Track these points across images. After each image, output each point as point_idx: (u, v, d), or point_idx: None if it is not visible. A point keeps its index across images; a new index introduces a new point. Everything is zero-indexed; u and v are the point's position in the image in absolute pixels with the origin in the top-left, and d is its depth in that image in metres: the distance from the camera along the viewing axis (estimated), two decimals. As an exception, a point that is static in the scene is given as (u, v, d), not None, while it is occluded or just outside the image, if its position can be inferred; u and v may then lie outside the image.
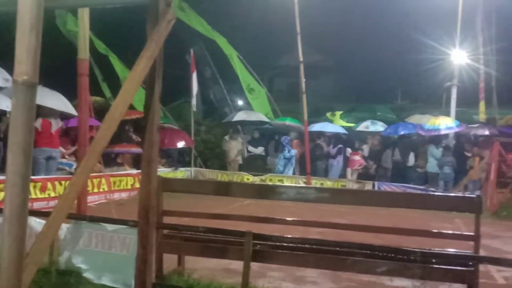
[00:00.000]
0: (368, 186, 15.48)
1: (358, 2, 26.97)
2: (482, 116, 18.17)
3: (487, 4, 17.78)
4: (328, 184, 15.84)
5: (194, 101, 17.44)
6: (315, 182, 15.78)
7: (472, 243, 4.72)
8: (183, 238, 5.35)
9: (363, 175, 16.29)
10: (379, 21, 26.81)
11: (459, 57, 18.15)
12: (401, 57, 24.76)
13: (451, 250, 4.80)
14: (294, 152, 16.83)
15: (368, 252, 4.70)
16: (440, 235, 5.04)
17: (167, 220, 5.63)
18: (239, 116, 18.50)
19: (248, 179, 16.41)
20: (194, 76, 17.38)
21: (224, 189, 5.48)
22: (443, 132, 16.01)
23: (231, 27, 22.19)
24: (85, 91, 7.13)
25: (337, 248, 4.83)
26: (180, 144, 16.99)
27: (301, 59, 16.05)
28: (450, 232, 5.54)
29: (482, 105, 18.27)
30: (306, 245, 4.95)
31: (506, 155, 13.33)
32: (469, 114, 19.21)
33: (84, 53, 7.02)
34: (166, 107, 20.15)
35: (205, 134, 19.31)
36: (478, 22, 17.91)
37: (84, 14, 6.88)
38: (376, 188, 15.32)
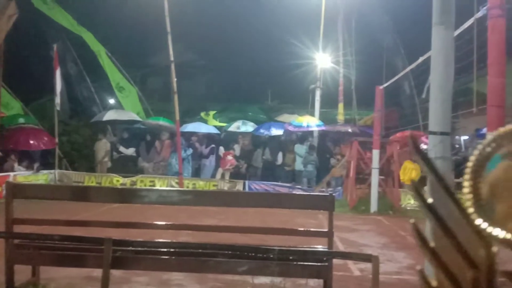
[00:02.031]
0: (239, 185, 15.79)
1: (230, 4, 27.37)
2: (340, 117, 19.40)
3: (347, 11, 19.02)
4: (200, 184, 15.89)
5: (58, 100, 16.45)
6: (188, 183, 15.74)
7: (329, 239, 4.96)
8: (37, 248, 5.01)
9: (235, 175, 16.57)
10: (251, 23, 27.44)
11: (322, 60, 19.20)
12: (271, 59, 25.58)
13: (307, 247, 5.03)
14: (190, 151, 16.62)
15: (230, 252, 4.76)
16: (296, 233, 5.25)
17: (21, 229, 5.25)
18: (109, 116, 17.84)
19: (118, 181, 15.90)
20: (58, 73, 16.41)
21: (82, 194, 5.22)
22: (308, 129, 16.89)
23: (101, 23, 21.36)
24: None
25: (200, 250, 4.84)
26: (41, 145, 15.97)
27: (172, 58, 15.90)
28: (306, 229, 5.78)
29: (341, 107, 19.53)
30: (169, 249, 4.90)
31: (364, 154, 14.34)
32: (332, 114, 20.39)
33: None
34: (29, 106, 18.84)
35: (71, 135, 18.32)
36: (339, 28, 19.11)
37: None
38: (246, 187, 15.69)
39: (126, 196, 5.16)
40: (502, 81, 6.07)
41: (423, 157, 0.81)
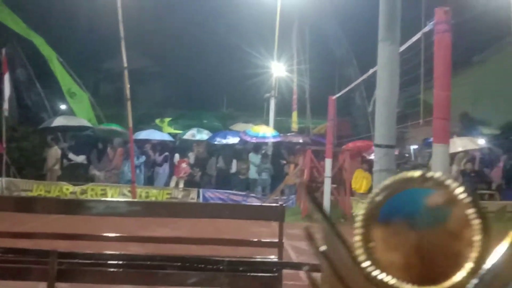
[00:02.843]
0: (193, 193, 15.69)
1: (187, 11, 27.28)
2: (294, 126, 19.62)
3: (302, 21, 19.28)
4: (153, 192, 15.68)
5: (6, 105, 15.93)
6: (140, 191, 15.50)
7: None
8: (-24, 262, 4.80)
9: (189, 183, 16.44)
10: (207, 31, 27.42)
11: (277, 69, 19.36)
12: (227, 67, 25.63)
13: (257, 257, 5.02)
14: (142, 159, 16.33)
15: (180, 264, 4.70)
16: (246, 243, 5.24)
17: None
18: (58, 122, 17.40)
19: (67, 189, 15.48)
20: (7, 78, 15.91)
21: (26, 206, 5.05)
22: (264, 140, 16.95)
23: (53, 28, 20.86)
24: None
25: (149, 262, 4.76)
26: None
27: (126, 64, 15.64)
28: (256, 240, 5.76)
29: (294, 115, 19.76)
30: (117, 261, 4.79)
31: (318, 162, 14.51)
32: (287, 123, 20.60)
33: None
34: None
35: (20, 141, 17.73)
36: (293, 38, 19.35)
37: None
38: (201, 195, 15.61)
39: (72, 207, 5.03)
40: (448, 94, 6.28)
41: (314, 203, 0.84)
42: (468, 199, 0.81)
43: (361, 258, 0.81)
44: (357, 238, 0.84)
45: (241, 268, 4.69)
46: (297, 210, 14.71)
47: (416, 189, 0.85)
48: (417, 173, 0.85)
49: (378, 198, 0.86)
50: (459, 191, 0.82)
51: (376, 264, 0.80)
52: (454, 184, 0.83)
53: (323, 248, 0.81)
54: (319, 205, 0.84)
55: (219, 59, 26.89)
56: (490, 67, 21.41)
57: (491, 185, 16.12)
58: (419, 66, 6.95)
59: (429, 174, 0.84)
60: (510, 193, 15.31)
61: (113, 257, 4.82)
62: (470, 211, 0.80)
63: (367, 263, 0.80)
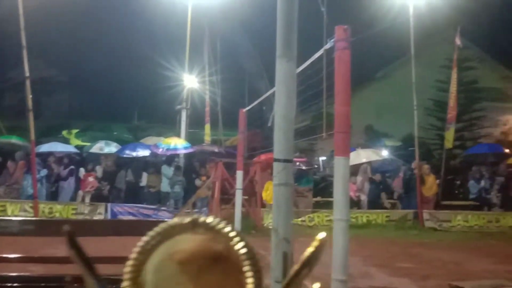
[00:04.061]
0: (101, 208, 15.15)
1: (98, 21, 26.54)
2: (207, 138, 19.61)
3: (212, 34, 19.38)
4: (58, 208, 14.95)
5: None
6: (43, 207, 14.73)
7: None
8: None
9: (96, 197, 15.85)
10: (119, 41, 26.81)
11: (189, 81, 19.25)
12: (138, 78, 25.18)
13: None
14: (44, 172, 15.43)
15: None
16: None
17: None
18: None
19: (-39, 206, 14.38)
20: None
21: None
22: (176, 152, 16.75)
23: None
24: None
25: (43, 284, 4.50)
26: None
27: (27, 74, 14.89)
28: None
29: (207, 128, 19.77)
30: (14, 283, 4.49)
31: (229, 175, 14.55)
32: (200, 135, 20.54)
33: None
34: None
35: None
36: (205, 50, 19.40)
37: None
38: (109, 209, 15.10)
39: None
40: (347, 109, 6.53)
41: (73, 248, 0.84)
42: (240, 241, 0.83)
43: None
44: (125, 284, 0.83)
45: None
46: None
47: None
48: (187, 219, 0.86)
49: (149, 246, 0.85)
50: (231, 235, 0.83)
51: None
52: (226, 228, 0.84)
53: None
54: (75, 246, 0.83)
55: (131, 70, 26.37)
56: (392, 82, 22.70)
57: (393, 194, 16.97)
58: (322, 81, 7.19)
59: (201, 220, 0.85)
60: (409, 202, 16.20)
61: (9, 279, 4.52)
62: (242, 252, 0.82)
63: None
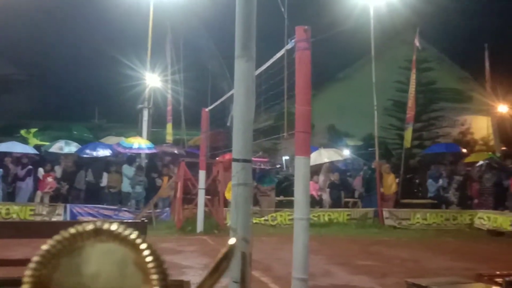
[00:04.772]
0: (60, 209, 14.83)
1: (58, 19, 25.97)
2: (169, 138, 19.43)
3: (175, 33, 19.23)
4: (15, 209, 14.55)
5: None
6: (0, 208, 14.32)
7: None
8: None
9: (55, 198, 15.50)
10: (79, 39, 26.31)
11: (151, 80, 19.03)
12: (99, 76, 24.75)
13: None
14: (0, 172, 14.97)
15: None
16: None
17: None
18: None
19: None
20: None
21: None
22: (139, 151, 16.54)
23: None
24: None
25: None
26: None
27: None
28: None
29: (169, 127, 19.58)
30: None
31: (192, 175, 14.46)
32: (162, 134, 20.34)
33: None
34: None
35: None
36: (167, 49, 19.22)
37: None
38: (68, 210, 14.80)
39: None
40: (308, 109, 6.58)
41: None
42: (146, 249, 0.83)
43: None
44: (27, 280, 0.82)
45: None
46: (172, 223, 14.54)
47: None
48: (89, 226, 0.85)
49: (49, 255, 0.83)
50: (137, 242, 0.83)
51: None
52: (131, 235, 0.84)
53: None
54: None
55: (91, 69, 25.89)
56: (353, 83, 23.02)
57: (354, 193, 17.23)
58: (287, 80, 7.22)
59: (104, 227, 0.84)
60: (369, 201, 16.48)
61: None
62: (148, 259, 0.82)
63: None
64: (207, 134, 14.44)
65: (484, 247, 12.23)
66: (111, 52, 21.64)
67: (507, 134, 22.45)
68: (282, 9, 5.83)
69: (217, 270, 0.82)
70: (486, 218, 15.08)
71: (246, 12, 3.87)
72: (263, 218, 15.27)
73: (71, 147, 16.87)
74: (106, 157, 16.76)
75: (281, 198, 16.72)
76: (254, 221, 15.00)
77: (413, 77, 18.08)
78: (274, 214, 15.45)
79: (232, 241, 0.84)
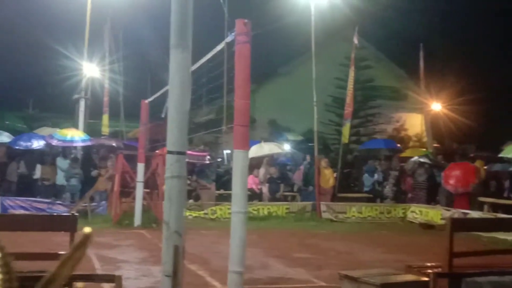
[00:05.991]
0: (-10, 202, 14.15)
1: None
2: (105, 129, 18.89)
3: (115, 22, 18.71)
4: None
5: None
6: None
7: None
8: None
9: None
10: (12, 26, 25.13)
11: (88, 70, 18.37)
12: (34, 65, 23.75)
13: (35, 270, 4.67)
14: None
15: None
16: (39, 257, 4.81)
17: None
18: None
19: None
20: None
21: None
22: (73, 144, 15.99)
23: None
24: None
25: None
26: None
27: None
28: (53, 252, 5.38)
29: (106, 118, 19.03)
30: None
31: (130, 168, 14.17)
32: (100, 126, 19.77)
33: None
34: None
35: None
36: (106, 38, 18.67)
37: None
38: (-1, 203, 14.15)
39: None
40: (247, 102, 6.57)
41: None
42: None
43: None
44: None
45: (27, 283, 4.30)
46: (108, 217, 14.22)
47: None
48: None
49: None
50: None
51: None
52: None
53: None
54: None
55: (26, 56, 24.80)
56: (294, 78, 23.27)
57: (293, 187, 17.45)
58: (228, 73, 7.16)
59: None
60: (308, 194, 16.74)
61: None
62: None
63: None
64: (147, 126, 14.19)
65: (415, 240, 12.70)
66: (47, 39, 20.80)
67: (439, 132, 23.41)
68: (221, 0, 5.78)
69: (71, 258, 0.81)
70: (418, 212, 15.68)
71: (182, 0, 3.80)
72: (202, 212, 15.20)
73: (3, 137, 16.14)
74: (40, 148, 16.13)
75: (221, 191, 16.69)
76: (194, 215, 14.92)
77: (351, 74, 18.49)
78: (214, 208, 15.40)
79: (87, 229, 0.84)
